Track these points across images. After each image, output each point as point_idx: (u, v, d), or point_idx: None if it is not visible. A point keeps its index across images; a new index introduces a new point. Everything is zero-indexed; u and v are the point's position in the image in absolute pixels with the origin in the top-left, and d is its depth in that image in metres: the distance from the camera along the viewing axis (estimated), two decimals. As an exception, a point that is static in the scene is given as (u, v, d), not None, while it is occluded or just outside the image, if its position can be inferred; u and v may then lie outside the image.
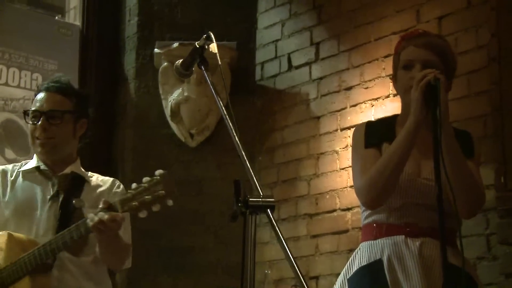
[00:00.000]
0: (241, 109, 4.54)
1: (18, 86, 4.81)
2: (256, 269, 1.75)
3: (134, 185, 2.40)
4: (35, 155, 2.83)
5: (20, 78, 4.81)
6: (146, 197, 2.35)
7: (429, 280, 2.33)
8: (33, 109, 2.76)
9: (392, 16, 4.20)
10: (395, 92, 4.04)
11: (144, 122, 4.92)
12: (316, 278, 4.29)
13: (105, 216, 2.39)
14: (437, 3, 3.98)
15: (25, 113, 2.79)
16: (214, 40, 2.16)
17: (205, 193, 4.79)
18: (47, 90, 2.79)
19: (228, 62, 4.67)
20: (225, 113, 2.03)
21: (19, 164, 2.88)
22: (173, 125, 4.87)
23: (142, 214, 2.36)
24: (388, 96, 4.15)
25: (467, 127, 2.65)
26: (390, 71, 4.07)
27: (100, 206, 2.43)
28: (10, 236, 2.59)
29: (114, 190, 2.83)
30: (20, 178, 2.80)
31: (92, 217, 2.43)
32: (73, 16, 5.36)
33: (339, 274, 2.57)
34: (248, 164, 1.89)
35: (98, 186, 2.83)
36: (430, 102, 2.30)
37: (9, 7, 4.81)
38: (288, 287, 4.18)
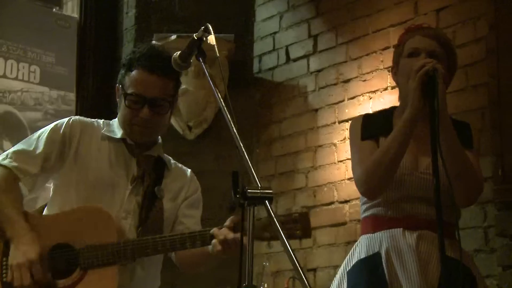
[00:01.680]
0: (238, 101, 4.53)
1: (16, 78, 4.81)
2: (254, 262, 1.74)
3: (267, 217, 2.21)
4: (115, 122, 2.58)
5: (18, 70, 4.81)
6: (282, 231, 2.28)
7: (426, 275, 2.33)
8: (135, 92, 2.46)
9: (390, 9, 4.20)
10: (393, 84, 4.05)
11: (142, 115, 4.90)
12: (314, 270, 4.29)
13: (231, 235, 2.27)
14: (435, -5, 3.98)
15: (125, 91, 2.48)
16: (212, 32, 2.15)
17: (203, 186, 4.74)
18: (151, 71, 2.46)
19: (226, 54, 4.66)
20: (223, 105, 2.03)
21: (101, 122, 2.59)
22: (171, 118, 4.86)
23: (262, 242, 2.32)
24: (386, 89, 4.15)
25: (465, 119, 2.64)
26: (388, 64, 4.09)
27: (227, 224, 2.31)
28: (103, 213, 2.38)
29: (192, 184, 2.69)
30: (106, 142, 2.51)
31: (218, 232, 2.29)
32: (71, 8, 5.36)
33: (337, 266, 2.58)
34: (247, 156, 1.89)
35: (178, 176, 2.64)
36: (427, 93, 2.30)
37: (11, 1, 4.80)
38: (286, 279, 4.18)
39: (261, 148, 4.80)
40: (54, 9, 5.17)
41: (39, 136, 2.47)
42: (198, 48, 2.20)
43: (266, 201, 1.77)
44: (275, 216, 2.20)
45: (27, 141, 2.49)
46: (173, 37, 4.67)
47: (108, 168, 2.46)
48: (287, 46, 4.82)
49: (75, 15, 5.23)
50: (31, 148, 2.44)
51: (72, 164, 2.45)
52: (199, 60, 2.21)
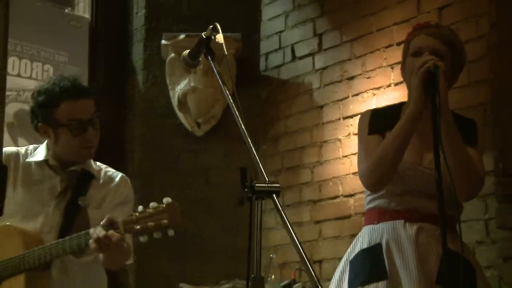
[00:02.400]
0: (246, 99, 4.52)
1: (30, 77, 4.82)
2: (262, 254, 1.75)
3: (140, 208, 2.33)
4: (43, 145, 2.69)
5: (32, 69, 4.82)
6: (149, 223, 2.29)
7: (424, 266, 2.34)
8: (75, 118, 2.57)
9: (393, 7, 4.19)
10: (396, 81, 4.05)
11: (152, 112, 4.92)
12: (320, 262, 4.30)
13: (102, 233, 2.32)
14: (437, -6, 3.97)
15: (62, 124, 2.58)
16: (220, 31, 2.16)
17: (211, 181, 4.80)
18: (78, 97, 2.59)
19: (233, 53, 4.66)
20: (232, 102, 2.03)
21: (30, 148, 2.71)
22: (180, 115, 4.87)
23: (143, 239, 2.31)
24: (389, 86, 4.14)
25: (467, 115, 2.64)
26: (391, 61, 4.10)
27: (102, 222, 2.36)
28: (11, 229, 2.50)
29: (120, 189, 2.73)
30: (31, 168, 2.65)
31: (92, 231, 2.36)
32: (82, 8, 5.36)
33: (341, 258, 2.58)
34: (254, 151, 1.89)
35: (105, 184, 2.71)
36: (429, 89, 2.30)
37: (24, 3, 4.81)
38: (293, 271, 4.19)
39: (268, 143, 4.81)
40: (66, 10, 5.18)
41: None
42: (207, 46, 2.21)
43: (274, 195, 1.78)
44: (143, 210, 2.30)
45: None
46: (182, 36, 4.67)
47: (35, 189, 2.59)
48: (292, 45, 4.82)
49: (87, 15, 5.24)
50: None
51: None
52: (207, 59, 2.22)
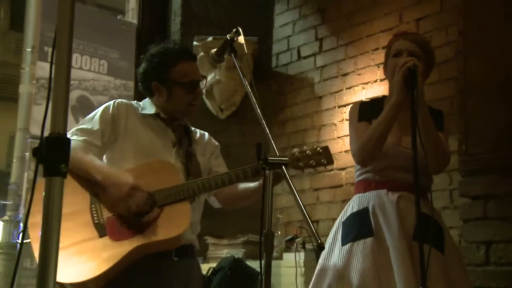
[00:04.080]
0: (260, 90, 4.46)
1: (89, 70, 4.84)
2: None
3: (297, 150, 2.19)
4: (147, 101, 2.41)
5: (90, 63, 4.84)
6: (311, 161, 2.18)
7: (403, 225, 2.33)
8: (190, 79, 2.34)
9: (380, 18, 4.16)
10: (381, 78, 4.03)
11: (185, 99, 4.92)
12: (317, 221, 4.31)
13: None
14: (416, 8, 3.93)
15: (177, 82, 2.33)
16: (242, 33, 2.14)
17: (232, 155, 4.80)
18: (191, 59, 2.38)
19: (251, 52, 4.65)
20: (250, 91, 2.03)
21: (134, 103, 2.43)
22: (207, 102, 4.87)
23: (306, 171, 2.22)
24: (376, 81, 4.12)
25: (438, 106, 2.62)
26: (378, 61, 4.08)
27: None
28: (172, 166, 2.26)
29: (212, 141, 2.57)
30: (146, 118, 2.37)
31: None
32: (131, 16, 5.36)
33: (335, 219, 2.58)
34: (267, 130, 1.89)
35: (201, 137, 2.53)
36: (409, 84, 2.28)
37: (83, 8, 4.82)
38: (295, 228, 4.20)
39: (277, 126, 4.80)
40: (118, 17, 5.19)
41: (92, 117, 2.31)
42: (231, 46, 2.20)
43: (283, 166, 1.78)
44: (303, 150, 2.15)
45: (83, 122, 2.32)
46: (210, 38, 4.66)
47: (155, 138, 2.33)
48: (298, 47, 4.80)
49: (135, 21, 5.23)
50: (90, 127, 2.26)
51: (124, 138, 2.30)
52: (231, 56, 2.21)
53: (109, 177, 2.12)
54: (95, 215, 2.14)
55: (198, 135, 2.53)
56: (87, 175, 2.14)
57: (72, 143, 1.97)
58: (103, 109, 2.33)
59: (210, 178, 2.25)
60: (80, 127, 2.28)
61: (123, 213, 2.12)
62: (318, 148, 2.20)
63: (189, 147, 2.40)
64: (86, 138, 2.23)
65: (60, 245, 1.72)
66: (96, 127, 2.27)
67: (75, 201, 2.13)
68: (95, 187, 2.15)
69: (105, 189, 2.12)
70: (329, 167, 4.33)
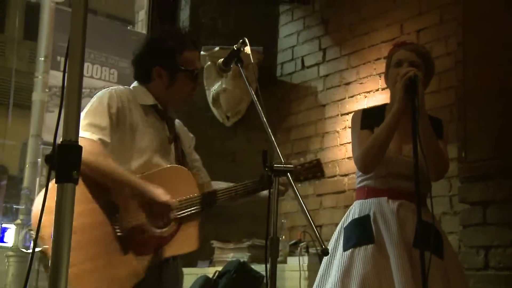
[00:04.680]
0: (265, 98, 4.49)
1: (100, 79, 4.86)
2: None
3: (295, 162, 2.21)
4: (144, 89, 2.21)
5: (101, 72, 4.85)
6: (309, 175, 2.24)
7: (403, 233, 2.32)
8: (195, 68, 2.22)
9: (381, 29, 4.15)
10: (383, 86, 4.02)
11: (192, 107, 4.91)
12: (320, 226, 4.29)
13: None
14: (416, 19, 3.93)
15: (182, 69, 2.17)
16: (248, 44, 2.14)
17: (237, 161, 4.81)
18: (196, 48, 2.25)
19: (257, 62, 4.64)
20: (255, 99, 2.02)
21: (127, 89, 2.20)
22: (214, 110, 4.87)
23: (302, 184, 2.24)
24: (377, 90, 4.12)
25: (438, 114, 2.62)
26: (380, 71, 4.07)
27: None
28: (188, 174, 2.15)
29: (189, 133, 2.43)
30: (145, 110, 2.17)
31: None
32: (141, 26, 5.38)
33: (338, 224, 2.57)
34: (273, 138, 1.88)
35: (182, 130, 2.37)
36: (410, 93, 2.28)
37: (94, 19, 4.84)
38: (299, 233, 4.19)
39: (282, 133, 4.80)
40: (128, 27, 5.22)
41: (97, 110, 2.07)
42: (237, 56, 2.20)
43: (288, 173, 1.77)
44: (301, 164, 2.24)
45: (89, 114, 2.06)
46: (217, 48, 4.66)
47: (155, 135, 2.16)
48: (302, 57, 4.80)
49: (144, 31, 5.25)
50: (98, 122, 2.04)
51: (125, 134, 2.10)
52: (237, 65, 2.20)
53: (144, 193, 1.97)
54: (116, 227, 1.98)
55: (179, 127, 2.35)
56: (111, 183, 1.98)
57: (88, 145, 1.89)
58: (107, 101, 2.08)
59: (225, 191, 2.19)
60: (89, 121, 2.04)
61: (148, 228, 2.00)
62: (313, 161, 2.21)
63: (180, 143, 2.29)
64: (100, 137, 2.01)
65: (82, 258, 1.64)
66: (104, 123, 2.04)
67: (92, 210, 1.95)
68: (117, 197, 1.99)
69: (136, 203, 1.98)
70: (331, 174, 4.35)
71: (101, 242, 1.94)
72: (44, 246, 1.80)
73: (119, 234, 1.98)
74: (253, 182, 2.22)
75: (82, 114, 2.02)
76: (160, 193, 2.01)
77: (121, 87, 2.23)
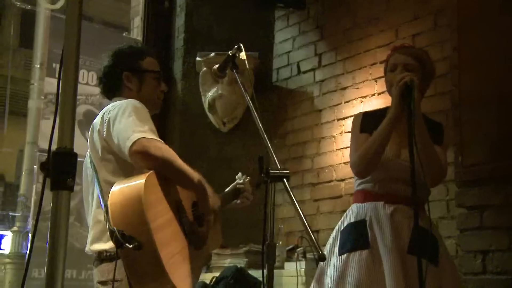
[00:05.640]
0: (261, 103, 4.47)
1: (96, 85, 4.84)
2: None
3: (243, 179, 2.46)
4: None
5: (97, 79, 4.85)
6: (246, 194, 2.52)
7: (398, 239, 2.32)
8: (158, 70, 2.33)
9: (377, 34, 4.16)
10: (379, 91, 4.03)
11: (188, 113, 4.92)
12: (317, 231, 4.28)
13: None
14: (411, 25, 3.94)
15: (148, 70, 2.29)
16: (243, 49, 2.14)
17: (234, 167, 4.79)
18: (153, 55, 2.37)
19: (252, 67, 4.65)
20: (251, 105, 2.02)
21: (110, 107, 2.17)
22: (210, 115, 4.87)
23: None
24: (373, 95, 4.12)
25: (433, 118, 2.61)
26: (375, 76, 4.08)
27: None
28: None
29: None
30: None
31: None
32: (136, 33, 5.38)
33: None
34: (269, 143, 1.88)
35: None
36: (406, 99, 2.28)
37: (90, 26, 4.84)
38: (296, 238, 4.18)
39: (278, 139, 4.79)
40: (124, 34, 5.21)
41: (142, 116, 2.04)
42: (233, 62, 2.20)
43: (284, 179, 1.77)
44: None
45: (142, 119, 2.02)
46: (213, 54, 4.67)
47: None
48: (298, 62, 4.80)
49: (139, 38, 5.25)
50: (151, 126, 2.03)
51: None
52: (233, 71, 2.21)
53: (206, 188, 2.05)
54: (185, 223, 2.00)
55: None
56: (188, 182, 2.01)
57: (166, 146, 1.95)
58: (143, 108, 2.09)
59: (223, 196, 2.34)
60: (147, 126, 2.00)
61: (196, 228, 2.05)
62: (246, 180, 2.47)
63: None
64: (159, 139, 2.00)
65: (174, 251, 1.74)
66: (153, 126, 2.04)
67: (166, 208, 1.94)
68: (184, 195, 2.04)
69: (203, 199, 2.02)
70: (328, 179, 4.35)
71: (178, 237, 1.95)
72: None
73: (186, 231, 1.99)
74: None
75: (130, 118, 2.00)
76: (215, 202, 2.10)
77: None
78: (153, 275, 1.74)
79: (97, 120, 2.14)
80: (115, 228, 1.71)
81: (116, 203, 1.79)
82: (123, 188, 1.83)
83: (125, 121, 1.98)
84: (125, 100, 2.11)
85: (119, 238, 1.68)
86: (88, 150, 2.17)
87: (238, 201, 2.54)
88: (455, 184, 3.24)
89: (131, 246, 1.68)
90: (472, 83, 3.18)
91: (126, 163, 2.00)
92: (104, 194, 1.94)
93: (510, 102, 3.01)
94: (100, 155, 2.07)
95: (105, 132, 2.05)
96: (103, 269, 1.97)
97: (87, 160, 2.19)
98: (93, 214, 2.07)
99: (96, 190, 2.03)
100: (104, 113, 2.11)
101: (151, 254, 1.72)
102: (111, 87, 2.31)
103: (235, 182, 2.52)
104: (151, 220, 1.74)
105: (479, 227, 3.06)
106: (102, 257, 1.99)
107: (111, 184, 1.90)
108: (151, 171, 1.88)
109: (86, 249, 2.08)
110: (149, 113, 2.17)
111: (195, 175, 2.03)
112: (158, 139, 1.98)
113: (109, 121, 2.04)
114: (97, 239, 2.02)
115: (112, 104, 2.15)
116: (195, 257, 2.00)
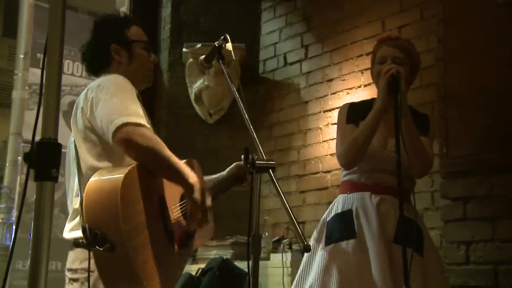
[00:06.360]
0: (248, 95, 4.48)
1: (81, 76, 4.80)
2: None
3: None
4: None
5: (82, 70, 4.80)
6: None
7: (384, 229, 2.34)
8: (146, 40, 2.13)
9: (363, 26, 4.17)
10: (365, 83, 4.04)
11: (175, 104, 4.91)
12: (303, 223, 4.30)
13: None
14: (397, 16, 3.95)
15: (135, 40, 2.10)
16: (229, 40, 2.13)
17: (220, 159, 4.79)
18: (139, 24, 2.18)
19: (239, 59, 4.65)
20: (237, 96, 2.01)
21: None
22: (196, 107, 4.86)
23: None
24: (360, 86, 4.13)
25: (419, 111, 2.63)
26: (362, 67, 4.09)
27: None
28: (198, 166, 2.13)
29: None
30: None
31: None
32: (122, 23, 5.33)
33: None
34: (255, 134, 1.87)
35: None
36: (392, 91, 2.29)
37: (74, 16, 4.79)
38: (282, 230, 4.19)
39: (264, 130, 4.80)
40: (109, 24, 5.14)
41: (129, 96, 1.88)
42: (219, 53, 2.19)
43: (270, 170, 1.77)
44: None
45: (125, 100, 1.85)
46: (199, 45, 4.65)
47: (149, 121, 1.98)
48: (285, 53, 4.80)
49: (125, 28, 5.21)
50: (138, 110, 1.86)
51: None
52: (219, 62, 2.19)
53: (197, 182, 1.88)
54: (167, 221, 1.87)
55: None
56: (174, 174, 1.85)
57: (151, 134, 1.79)
58: (129, 86, 1.92)
59: (219, 184, 2.26)
60: (133, 108, 1.84)
61: (183, 223, 1.92)
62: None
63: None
64: (146, 124, 1.84)
65: (151, 254, 1.62)
66: (141, 111, 1.87)
67: (147, 207, 1.77)
68: (171, 188, 1.90)
69: (193, 193, 1.86)
70: (314, 171, 4.37)
71: (157, 238, 1.79)
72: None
73: (169, 230, 1.87)
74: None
75: (114, 99, 1.84)
76: (206, 197, 1.94)
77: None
78: (125, 279, 1.63)
79: (81, 96, 1.96)
80: (86, 225, 1.61)
81: (91, 198, 1.65)
82: (100, 181, 1.69)
83: (110, 102, 1.81)
84: (109, 77, 1.95)
85: (88, 238, 1.58)
86: (72, 132, 1.98)
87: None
88: (440, 176, 3.27)
89: (101, 249, 1.58)
90: (457, 75, 3.20)
91: (112, 145, 1.82)
92: (84, 182, 1.78)
93: (495, 94, 3.04)
94: (83, 135, 1.90)
95: (88, 112, 1.88)
96: (76, 255, 1.82)
97: (70, 141, 2.00)
98: (73, 201, 1.90)
99: (76, 177, 1.87)
100: (88, 89, 1.93)
101: (124, 257, 1.60)
102: (98, 63, 2.08)
103: (233, 165, 2.35)
104: (127, 219, 1.61)
105: (463, 218, 3.09)
106: (77, 243, 1.83)
107: (95, 170, 1.77)
108: (134, 164, 1.74)
109: (64, 234, 1.90)
110: (141, 87, 2.07)
111: (184, 167, 1.86)
112: (144, 123, 1.81)
113: (92, 100, 1.87)
114: (76, 227, 1.84)
115: (96, 80, 1.97)
116: (179, 255, 1.89)
